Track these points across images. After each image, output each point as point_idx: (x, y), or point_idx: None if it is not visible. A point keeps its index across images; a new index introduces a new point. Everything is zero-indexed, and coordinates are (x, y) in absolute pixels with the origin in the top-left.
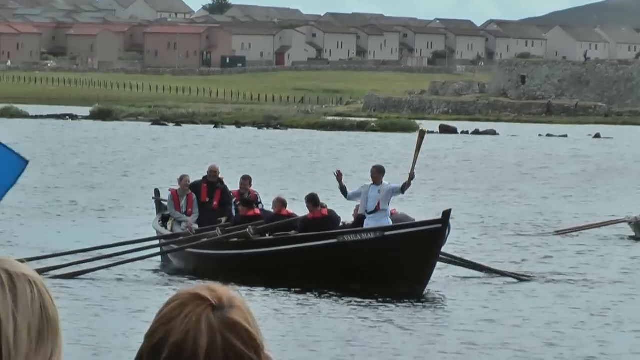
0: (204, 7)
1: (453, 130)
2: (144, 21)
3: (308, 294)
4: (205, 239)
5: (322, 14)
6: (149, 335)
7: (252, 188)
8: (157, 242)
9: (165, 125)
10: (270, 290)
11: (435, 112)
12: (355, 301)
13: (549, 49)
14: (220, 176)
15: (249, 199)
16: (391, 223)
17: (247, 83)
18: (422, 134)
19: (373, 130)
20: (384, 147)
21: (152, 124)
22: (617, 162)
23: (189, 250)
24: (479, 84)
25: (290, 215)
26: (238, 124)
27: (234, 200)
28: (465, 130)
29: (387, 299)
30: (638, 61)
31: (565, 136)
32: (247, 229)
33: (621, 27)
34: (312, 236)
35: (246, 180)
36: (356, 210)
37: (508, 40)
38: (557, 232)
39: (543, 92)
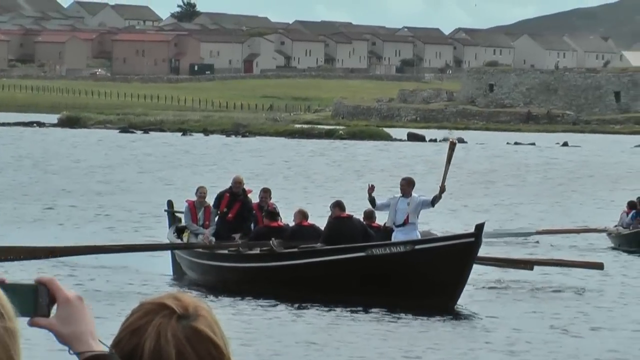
0: (173, 15)
1: (421, 138)
2: (112, 28)
3: (334, 307)
4: (227, 251)
5: (291, 22)
6: (114, 345)
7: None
8: (172, 252)
9: (134, 132)
10: (295, 304)
11: (403, 119)
12: (383, 315)
13: (517, 57)
14: (247, 188)
15: (273, 211)
16: (420, 237)
17: (216, 91)
18: (452, 145)
19: (341, 137)
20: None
21: (120, 132)
22: (585, 170)
23: (208, 262)
24: (448, 92)
25: (312, 226)
26: (206, 132)
27: (253, 212)
28: (434, 138)
29: (417, 313)
30: (606, 69)
31: (534, 144)
32: (271, 242)
33: (589, 36)
34: (340, 249)
35: (266, 193)
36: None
37: (476, 48)
38: (538, 231)
39: (511, 100)
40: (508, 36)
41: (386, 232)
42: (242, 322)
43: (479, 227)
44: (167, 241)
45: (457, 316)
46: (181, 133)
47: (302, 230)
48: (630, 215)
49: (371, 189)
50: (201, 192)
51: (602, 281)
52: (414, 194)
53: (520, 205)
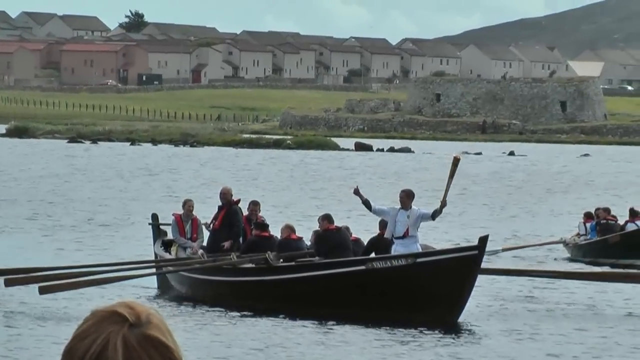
0: (121, 25)
1: (368, 148)
2: (60, 39)
3: (332, 322)
4: (219, 264)
5: (239, 32)
6: (66, 352)
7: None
8: (161, 267)
9: (82, 142)
10: (292, 318)
11: (350, 129)
12: (384, 330)
13: (464, 67)
14: (235, 199)
15: (263, 223)
16: (420, 249)
17: (164, 101)
18: (456, 161)
19: (289, 147)
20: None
21: (68, 142)
22: (533, 179)
23: (201, 276)
24: (395, 101)
25: (300, 239)
26: (154, 142)
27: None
28: (381, 147)
29: (418, 328)
30: (552, 79)
31: (480, 154)
32: (267, 255)
33: (535, 46)
34: (339, 262)
35: (256, 205)
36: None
37: (423, 58)
38: (504, 249)
39: (458, 110)
40: (454, 46)
41: (385, 243)
42: (236, 337)
43: (483, 240)
44: (158, 256)
45: (459, 331)
46: (129, 143)
47: (291, 243)
48: (589, 225)
49: (356, 191)
50: (188, 206)
51: (601, 296)
52: (413, 206)
53: (470, 217)
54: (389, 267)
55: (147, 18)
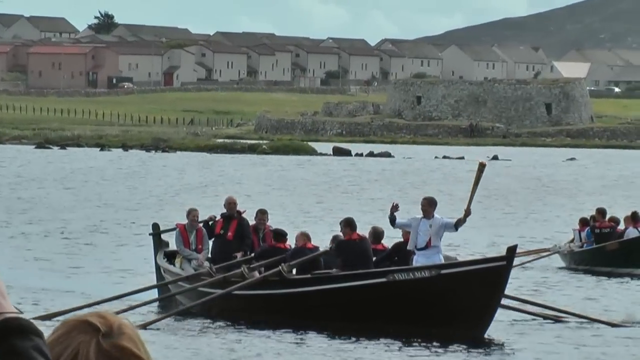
0: (90, 27)
1: (347, 153)
2: (27, 41)
3: (351, 338)
4: (233, 279)
5: (212, 33)
6: None
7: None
8: (157, 274)
9: (50, 148)
10: (308, 334)
11: (328, 133)
12: (406, 346)
13: (445, 68)
14: (241, 209)
15: (282, 232)
16: (442, 261)
17: (135, 104)
18: (481, 167)
19: (265, 152)
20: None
21: (36, 147)
22: (520, 184)
23: (209, 289)
24: (374, 104)
25: (316, 248)
26: (125, 147)
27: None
28: (360, 152)
29: (442, 343)
30: (537, 81)
31: (463, 158)
32: (280, 267)
33: (519, 46)
34: (358, 274)
35: (264, 214)
36: (372, 234)
37: (403, 59)
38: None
39: (439, 113)
40: (435, 47)
41: (407, 255)
42: (248, 353)
43: (512, 250)
44: (162, 268)
45: (485, 346)
46: (99, 148)
47: (306, 252)
48: (585, 232)
49: (395, 207)
50: (193, 215)
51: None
52: (436, 214)
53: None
54: (412, 279)
55: (117, 19)
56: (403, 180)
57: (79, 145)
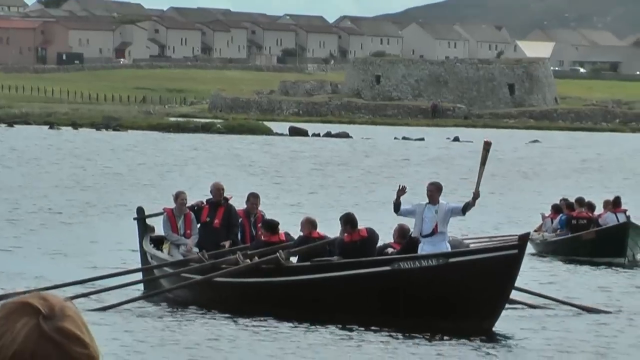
0: (39, 1)
1: (304, 133)
2: None
3: (353, 329)
4: (225, 266)
5: (165, 9)
6: None
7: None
8: (141, 263)
9: None
10: (307, 325)
11: (285, 113)
12: (411, 338)
13: (406, 47)
14: (227, 195)
15: (272, 222)
16: (449, 248)
17: (85, 81)
18: (487, 145)
19: (219, 132)
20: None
21: None
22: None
23: (200, 277)
24: (332, 83)
25: (322, 237)
26: (75, 125)
27: (239, 221)
28: (317, 132)
29: (450, 335)
30: (499, 60)
31: (423, 139)
32: (278, 254)
33: (482, 25)
34: (361, 262)
35: (256, 199)
36: (397, 231)
37: (362, 37)
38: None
39: (399, 93)
40: (396, 25)
41: (412, 242)
42: (243, 345)
43: (524, 238)
44: (149, 254)
45: (494, 338)
46: (48, 126)
47: (311, 242)
48: (557, 220)
49: (402, 190)
50: (181, 199)
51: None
52: (441, 200)
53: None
54: (418, 267)
55: None
56: (363, 162)
57: (27, 123)
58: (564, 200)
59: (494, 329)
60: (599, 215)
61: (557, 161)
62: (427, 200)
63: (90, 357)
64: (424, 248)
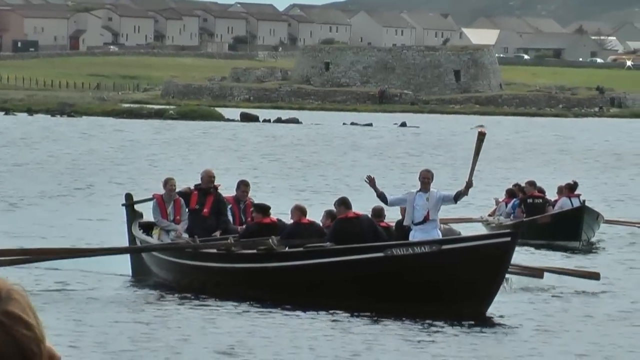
0: None
1: (254, 118)
2: None
3: (345, 315)
4: (216, 250)
5: None
6: None
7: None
8: (150, 252)
9: None
10: (299, 311)
11: (236, 99)
12: (403, 324)
13: (354, 34)
14: (216, 184)
15: (263, 205)
16: (440, 235)
17: (40, 68)
18: (481, 135)
19: (172, 117)
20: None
21: None
22: (433, 151)
23: (192, 262)
24: (282, 70)
25: (312, 224)
26: (30, 111)
27: (229, 207)
28: (268, 118)
29: (442, 321)
30: (446, 48)
31: (371, 125)
32: (270, 239)
33: (428, 13)
34: (354, 249)
35: (247, 186)
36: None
37: (312, 25)
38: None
39: (348, 79)
40: (344, 13)
41: (403, 231)
42: (233, 331)
43: (517, 226)
44: (139, 240)
45: (487, 323)
46: (3, 112)
47: (301, 228)
48: (511, 204)
49: (371, 182)
50: (170, 185)
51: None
52: (432, 188)
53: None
54: (411, 254)
55: None
56: (310, 147)
57: None
58: (517, 185)
59: (487, 313)
60: (555, 201)
61: (502, 145)
62: (418, 188)
63: (36, 339)
64: (415, 235)
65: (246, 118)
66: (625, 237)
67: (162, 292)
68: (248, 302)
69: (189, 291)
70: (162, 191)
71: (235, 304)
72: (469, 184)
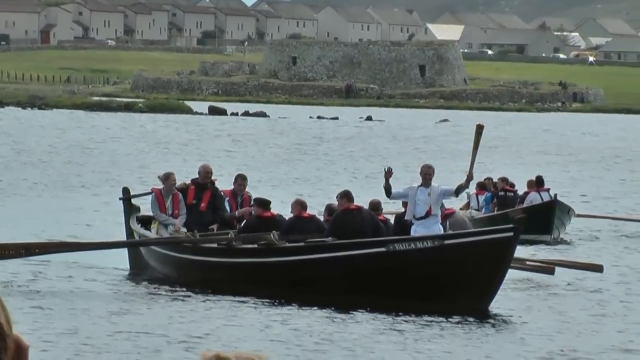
0: None
1: (222, 112)
2: None
3: (345, 311)
4: (216, 245)
5: None
6: None
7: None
8: (147, 247)
9: None
10: (298, 306)
11: (204, 93)
12: (405, 320)
13: (321, 29)
14: (213, 178)
15: (264, 199)
16: (442, 230)
17: (11, 62)
18: (479, 128)
19: (141, 111)
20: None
21: None
22: (394, 145)
23: (191, 257)
24: (250, 64)
25: (312, 218)
26: (1, 104)
27: (226, 200)
28: (235, 111)
29: (444, 316)
30: (411, 43)
31: (337, 118)
32: (272, 234)
33: (394, 8)
34: (356, 244)
35: (244, 180)
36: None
37: (279, 20)
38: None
39: (314, 74)
40: (311, 8)
41: (402, 225)
42: (232, 327)
43: (519, 221)
44: (137, 234)
45: (488, 319)
46: None
47: (302, 222)
48: (484, 197)
49: (388, 173)
50: (171, 179)
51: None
52: (433, 182)
53: (332, 182)
54: (413, 249)
55: None
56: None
57: None
58: (489, 179)
59: (489, 309)
60: (525, 194)
61: (467, 139)
62: (420, 183)
63: (3, 332)
64: (417, 230)
65: (214, 111)
66: (597, 231)
67: (159, 286)
68: (246, 297)
69: (186, 286)
70: (160, 185)
71: (233, 298)
72: (470, 177)
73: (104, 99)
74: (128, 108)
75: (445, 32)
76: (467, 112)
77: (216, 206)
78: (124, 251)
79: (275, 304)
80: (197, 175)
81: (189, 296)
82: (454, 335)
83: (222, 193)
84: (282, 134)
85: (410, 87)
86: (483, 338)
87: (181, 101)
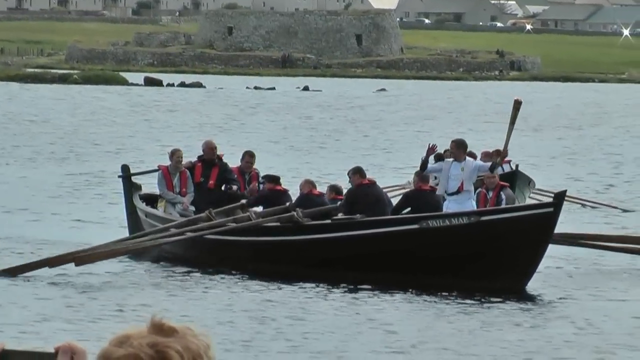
0: None
1: (159, 83)
2: None
3: (377, 291)
4: (235, 224)
5: None
6: None
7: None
8: (129, 220)
9: None
10: (327, 286)
11: (140, 63)
12: (440, 299)
13: None
14: (219, 153)
15: (273, 175)
16: (474, 206)
17: None
18: (517, 104)
19: (76, 82)
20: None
21: None
22: (338, 115)
23: (209, 237)
24: (185, 35)
25: (322, 195)
26: None
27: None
28: (171, 82)
29: (481, 296)
30: (347, 12)
31: (274, 88)
32: (295, 212)
33: None
34: (386, 220)
35: (252, 157)
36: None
37: None
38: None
39: (251, 44)
40: None
41: (435, 199)
42: (258, 306)
43: (560, 196)
44: (141, 212)
45: (527, 299)
46: None
47: (313, 199)
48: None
49: (432, 149)
50: (177, 156)
51: None
52: (467, 157)
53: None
54: (448, 226)
55: None
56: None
57: None
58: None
59: (526, 288)
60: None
61: (405, 109)
62: (452, 158)
63: None
64: (449, 206)
65: (150, 82)
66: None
67: (183, 266)
68: (271, 277)
69: (210, 265)
70: (167, 162)
71: (254, 279)
72: (505, 154)
73: (38, 70)
74: (63, 80)
75: (382, 0)
76: (405, 81)
77: (227, 179)
78: (125, 230)
79: (293, 284)
80: (202, 153)
81: (209, 277)
82: (489, 314)
83: (230, 168)
84: (220, 104)
85: (347, 57)
86: (519, 319)
87: (117, 72)
